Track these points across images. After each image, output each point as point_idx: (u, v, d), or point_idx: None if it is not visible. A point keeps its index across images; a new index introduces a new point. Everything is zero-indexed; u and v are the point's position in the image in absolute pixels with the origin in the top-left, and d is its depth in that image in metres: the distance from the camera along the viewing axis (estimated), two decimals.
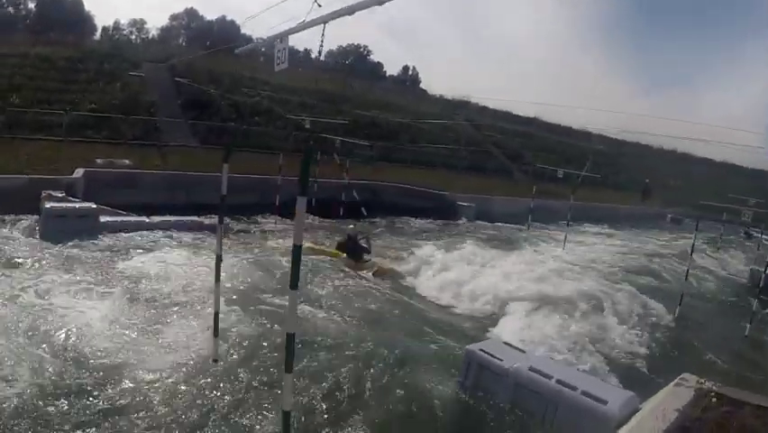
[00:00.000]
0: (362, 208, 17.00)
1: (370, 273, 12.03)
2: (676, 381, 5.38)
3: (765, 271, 11.70)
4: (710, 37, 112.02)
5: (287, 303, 3.70)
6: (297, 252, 3.39)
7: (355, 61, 62.62)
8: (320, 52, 7.57)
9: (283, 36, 7.54)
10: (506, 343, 6.63)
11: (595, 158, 49.08)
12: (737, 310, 12.92)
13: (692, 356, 8.95)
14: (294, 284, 3.39)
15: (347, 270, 11.89)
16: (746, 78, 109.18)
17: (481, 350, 6.01)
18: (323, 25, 6.88)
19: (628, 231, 27.00)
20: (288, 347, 3.41)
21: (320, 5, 7.05)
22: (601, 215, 29.22)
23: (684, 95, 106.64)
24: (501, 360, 5.79)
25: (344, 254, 12.78)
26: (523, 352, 6.22)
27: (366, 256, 12.86)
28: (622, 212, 33.23)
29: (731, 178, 63.63)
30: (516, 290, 11.00)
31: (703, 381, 5.37)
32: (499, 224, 20.74)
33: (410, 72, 67.89)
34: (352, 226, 15.21)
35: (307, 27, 7.28)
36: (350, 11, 6.59)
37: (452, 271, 12.12)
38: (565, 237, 17.26)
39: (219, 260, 5.77)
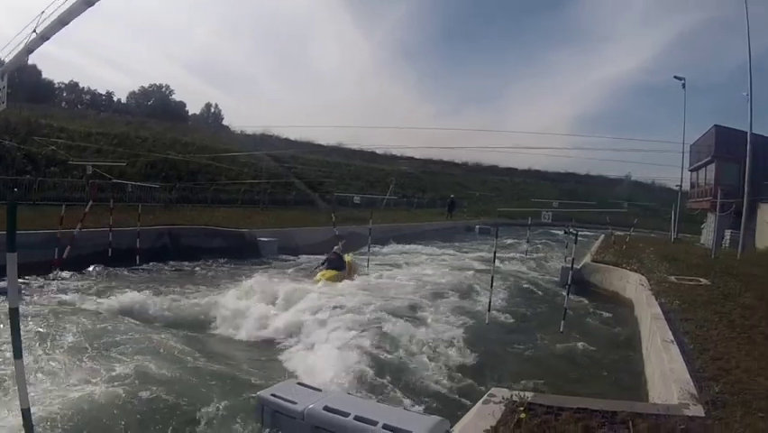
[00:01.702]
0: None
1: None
2: (484, 397, 5.21)
3: (572, 267, 12.27)
4: (514, 51, 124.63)
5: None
6: (14, 316, 3.28)
7: (157, 102, 63.90)
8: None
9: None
10: (299, 383, 6.11)
11: (401, 180, 52.84)
12: (551, 309, 13.49)
13: (506, 364, 8.80)
14: (18, 353, 3.23)
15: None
16: (550, 88, 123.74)
17: (273, 395, 5.60)
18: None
19: (436, 246, 28.07)
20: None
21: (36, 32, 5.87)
22: (408, 234, 30.70)
23: (492, 109, 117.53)
24: (295, 403, 5.44)
25: (337, 271, 15.28)
26: (318, 390, 5.81)
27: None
28: (429, 229, 34.88)
29: (536, 183, 71.70)
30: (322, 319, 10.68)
31: (514, 392, 5.23)
32: (303, 256, 20.49)
33: (212, 109, 70.87)
34: (338, 246, 16.81)
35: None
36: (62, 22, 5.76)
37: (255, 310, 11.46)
38: (368, 261, 17.72)
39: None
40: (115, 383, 6.73)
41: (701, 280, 13.14)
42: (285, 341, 10.03)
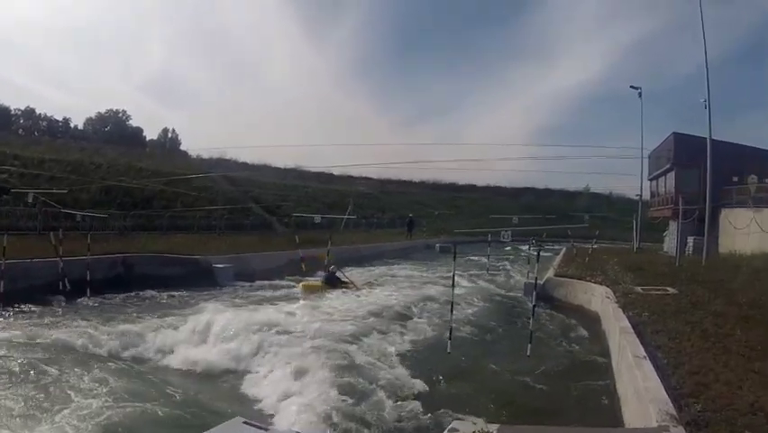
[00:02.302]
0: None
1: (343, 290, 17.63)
2: (446, 431, 4.77)
3: (535, 287, 11.83)
4: (469, 65, 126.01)
5: None
6: None
7: (114, 127, 65.41)
8: None
9: None
10: (245, 422, 5.45)
11: (359, 200, 52.78)
12: (516, 328, 13.20)
13: (470, 394, 8.28)
14: None
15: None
16: (506, 100, 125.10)
17: None
18: None
19: (396, 265, 27.95)
20: None
21: None
22: (368, 255, 30.56)
23: (450, 123, 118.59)
24: None
25: (326, 284, 17.98)
26: (265, 430, 5.25)
27: (345, 282, 18.48)
28: (389, 249, 34.56)
29: (495, 198, 72.38)
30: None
31: (478, 424, 4.91)
32: (259, 282, 20.09)
33: (170, 134, 71.70)
34: (333, 267, 18.75)
35: None
36: None
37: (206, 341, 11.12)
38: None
39: None
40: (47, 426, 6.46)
41: (668, 289, 12.96)
42: (235, 373, 9.56)
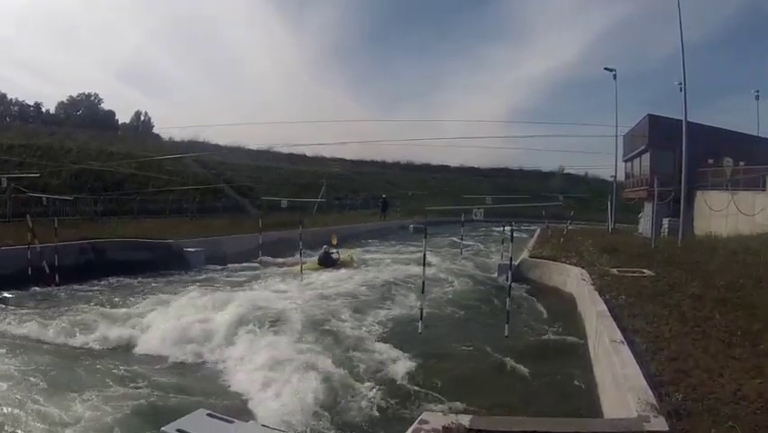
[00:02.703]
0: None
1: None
2: (414, 425, 4.49)
3: (510, 267, 11.70)
4: (446, 47, 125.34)
5: None
6: None
7: (86, 111, 65.82)
8: None
9: None
10: (209, 414, 5.41)
11: (332, 182, 52.41)
12: (490, 309, 13.10)
13: (442, 381, 8.04)
14: None
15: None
16: (483, 82, 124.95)
17: (179, 430, 4.95)
18: None
19: (371, 247, 28.20)
20: None
21: None
22: (343, 236, 29.52)
23: (426, 105, 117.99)
24: None
25: (322, 265, 18.98)
26: (231, 422, 5.24)
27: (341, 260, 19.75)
28: (363, 230, 34.40)
29: (469, 178, 72.57)
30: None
31: (449, 416, 4.67)
32: (231, 265, 20.15)
33: (142, 118, 71.96)
34: (326, 246, 19.74)
35: None
36: None
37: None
38: (301, 267, 16.89)
39: None
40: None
41: (644, 271, 12.87)
42: (204, 360, 9.35)
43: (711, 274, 11.63)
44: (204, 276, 18.12)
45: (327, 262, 19.13)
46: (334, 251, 19.80)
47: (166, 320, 11.00)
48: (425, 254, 10.66)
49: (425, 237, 10.82)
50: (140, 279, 16.79)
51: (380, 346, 9.59)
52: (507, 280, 11.15)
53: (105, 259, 18.27)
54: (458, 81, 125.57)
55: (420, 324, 10.21)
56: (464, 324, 11.98)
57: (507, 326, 9.85)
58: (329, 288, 15.22)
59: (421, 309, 10.33)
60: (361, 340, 10.10)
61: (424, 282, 10.61)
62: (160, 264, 18.77)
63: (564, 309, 12.38)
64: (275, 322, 10.88)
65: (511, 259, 12.14)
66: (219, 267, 19.80)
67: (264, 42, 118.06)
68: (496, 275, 17.47)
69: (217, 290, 14.77)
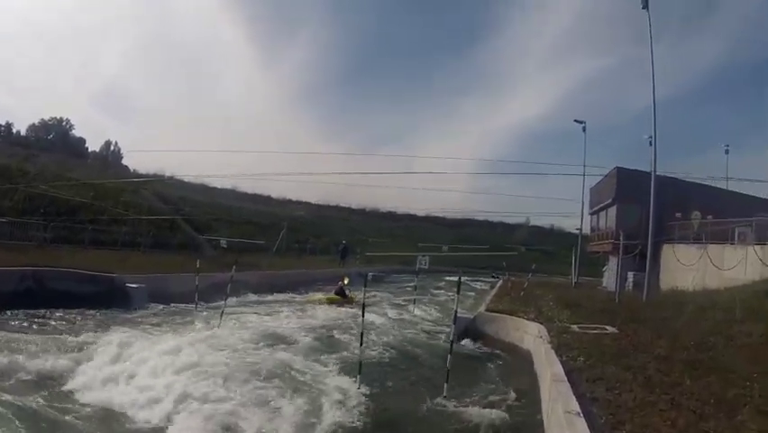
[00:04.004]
0: None
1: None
2: None
3: (455, 319, 10.79)
4: (420, 95, 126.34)
5: None
6: None
7: (57, 136, 66.28)
8: None
9: None
10: None
11: (295, 225, 51.61)
12: (436, 366, 11.87)
13: None
14: None
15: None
16: (456, 132, 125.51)
17: None
18: None
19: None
20: None
21: None
22: (292, 282, 29.68)
23: (399, 151, 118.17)
24: None
25: (339, 296, 23.00)
26: None
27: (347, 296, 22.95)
28: (320, 276, 33.38)
29: (435, 228, 72.61)
30: None
31: None
32: (175, 305, 19.41)
33: (112, 147, 72.49)
34: (341, 282, 24.09)
35: None
36: None
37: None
38: (221, 314, 15.84)
39: None
40: None
41: (607, 328, 11.97)
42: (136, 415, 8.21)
43: (679, 332, 10.80)
44: (139, 314, 17.49)
45: (343, 295, 23.05)
46: (348, 288, 23.58)
47: (96, 366, 10.14)
48: (363, 306, 9.66)
49: (365, 286, 9.86)
50: (77, 312, 16.03)
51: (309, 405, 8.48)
52: (451, 335, 10.09)
53: (45, 288, 17.53)
54: (429, 130, 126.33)
55: (358, 379, 9.10)
56: (403, 378, 10.98)
57: (446, 385, 8.80)
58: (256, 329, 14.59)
59: (360, 363, 9.23)
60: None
61: (362, 333, 9.56)
62: (100, 298, 17.95)
63: (519, 369, 11.34)
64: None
65: (456, 312, 11.17)
66: (161, 306, 19.12)
67: (242, 81, 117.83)
68: (448, 328, 16.50)
69: (155, 331, 14.02)
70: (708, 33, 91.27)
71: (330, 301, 22.47)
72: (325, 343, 13.61)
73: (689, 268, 20.71)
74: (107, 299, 18.09)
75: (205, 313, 18.02)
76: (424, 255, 13.54)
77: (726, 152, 35.81)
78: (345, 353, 12.38)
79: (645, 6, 21.15)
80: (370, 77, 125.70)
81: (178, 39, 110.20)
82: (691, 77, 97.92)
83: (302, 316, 18.86)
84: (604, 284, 29.88)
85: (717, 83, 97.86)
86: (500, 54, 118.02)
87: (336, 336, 14.60)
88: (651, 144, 21.68)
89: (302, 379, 9.88)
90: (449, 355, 9.26)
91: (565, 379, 7.23)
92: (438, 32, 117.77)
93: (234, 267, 17.34)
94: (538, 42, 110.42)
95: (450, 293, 28.93)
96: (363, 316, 9.80)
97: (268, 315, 18.89)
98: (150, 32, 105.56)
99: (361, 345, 9.67)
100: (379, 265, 42.22)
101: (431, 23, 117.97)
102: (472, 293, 30.80)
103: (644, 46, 21.73)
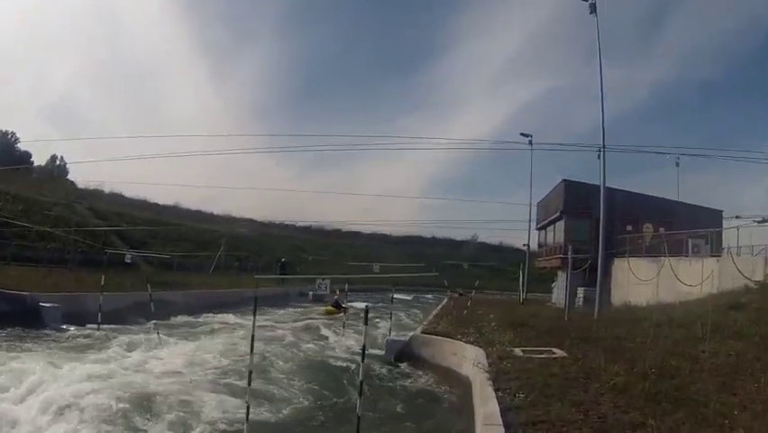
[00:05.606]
0: None
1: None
2: None
3: (364, 339, 9.06)
4: (366, 113, 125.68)
5: None
6: None
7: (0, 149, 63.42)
8: None
9: None
10: None
11: (235, 242, 50.18)
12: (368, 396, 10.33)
13: None
14: None
15: None
16: (403, 152, 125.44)
17: None
18: None
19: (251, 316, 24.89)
20: None
21: None
22: (228, 302, 28.92)
23: (345, 170, 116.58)
24: None
25: (336, 309, 25.94)
26: None
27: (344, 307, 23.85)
28: (260, 296, 31.41)
29: (380, 246, 72.08)
30: None
31: None
32: (91, 325, 18.29)
33: (58, 162, 69.58)
34: (337, 296, 25.69)
35: None
36: None
37: None
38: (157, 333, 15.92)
39: None
40: None
41: (555, 351, 10.48)
42: None
43: (636, 354, 9.40)
44: (54, 336, 16.86)
45: (338, 307, 25.18)
46: (343, 300, 24.33)
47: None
48: (252, 337, 8.02)
49: (255, 314, 8.16)
50: None
51: None
52: (361, 365, 8.12)
53: None
54: (375, 152, 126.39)
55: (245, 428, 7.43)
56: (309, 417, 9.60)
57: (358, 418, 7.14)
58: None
59: (247, 407, 7.50)
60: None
61: (250, 373, 7.84)
62: (11, 318, 17.62)
63: (452, 404, 9.85)
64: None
65: (364, 347, 9.30)
66: (74, 327, 18.29)
67: (188, 94, 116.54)
68: (383, 352, 14.93)
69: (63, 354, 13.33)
70: (656, 54, 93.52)
71: (327, 313, 26.16)
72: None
73: (641, 282, 20.01)
74: (17, 319, 17.69)
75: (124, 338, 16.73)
76: (324, 279, 10.71)
77: (677, 164, 35.70)
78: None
79: (593, 11, 20.99)
80: (318, 97, 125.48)
81: (129, 54, 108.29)
82: (639, 96, 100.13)
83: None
84: (553, 300, 29.50)
85: (663, 102, 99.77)
86: (448, 76, 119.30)
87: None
88: (599, 157, 21.12)
89: None
90: (358, 400, 7.51)
91: (500, 422, 5.71)
92: (387, 54, 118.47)
93: (149, 285, 17.31)
94: (487, 64, 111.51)
95: (401, 313, 27.81)
96: (252, 353, 8.11)
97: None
98: (101, 48, 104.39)
99: (249, 384, 7.87)
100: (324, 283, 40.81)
101: (380, 45, 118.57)
102: (417, 310, 30.07)
103: (593, 67, 21.77)
